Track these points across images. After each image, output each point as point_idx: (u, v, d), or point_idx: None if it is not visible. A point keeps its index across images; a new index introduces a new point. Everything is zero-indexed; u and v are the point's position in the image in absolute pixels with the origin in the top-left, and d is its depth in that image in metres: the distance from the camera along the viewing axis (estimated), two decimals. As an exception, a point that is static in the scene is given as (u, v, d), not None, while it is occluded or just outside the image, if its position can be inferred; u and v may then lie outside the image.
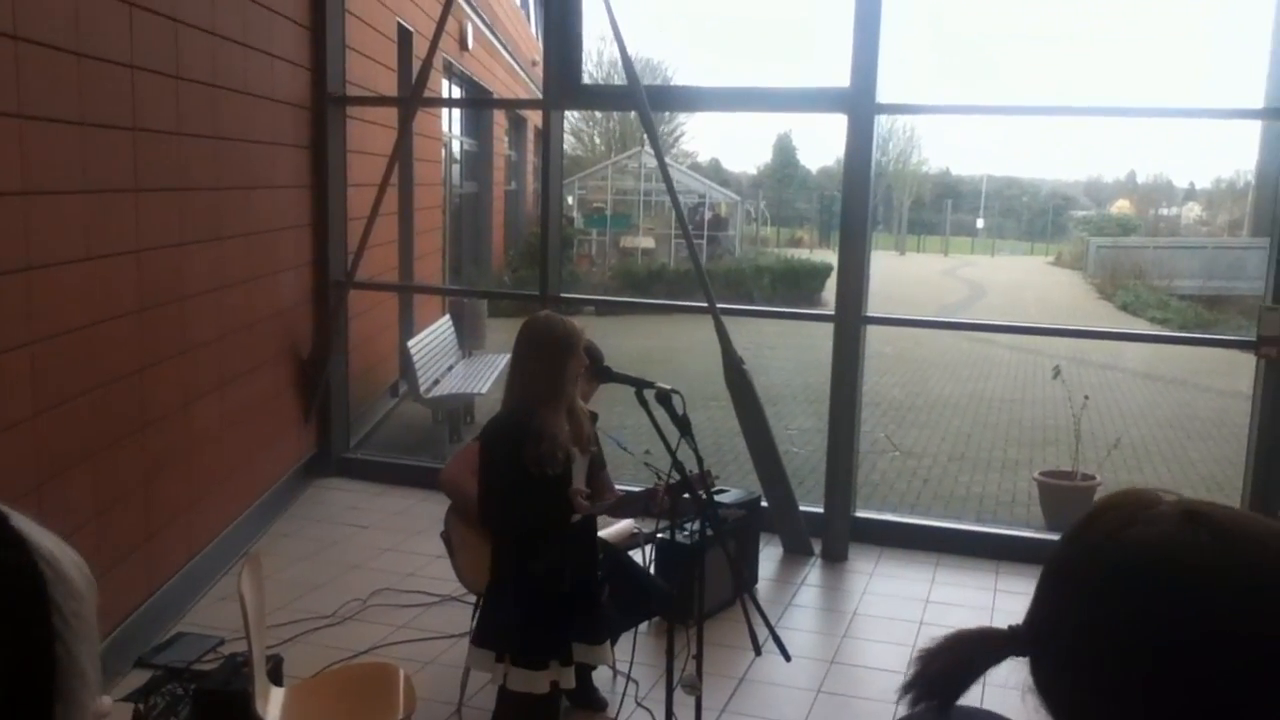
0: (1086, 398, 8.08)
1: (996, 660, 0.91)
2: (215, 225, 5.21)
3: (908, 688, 0.92)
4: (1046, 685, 0.90)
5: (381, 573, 5.41)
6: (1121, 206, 43.45)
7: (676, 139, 40.15)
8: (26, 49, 3.60)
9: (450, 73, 12.68)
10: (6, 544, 0.76)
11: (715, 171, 41.36)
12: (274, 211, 6.02)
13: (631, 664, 4.04)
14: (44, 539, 0.80)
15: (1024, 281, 28.94)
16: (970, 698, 0.94)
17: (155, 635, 4.58)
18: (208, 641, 4.55)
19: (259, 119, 5.74)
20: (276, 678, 3.79)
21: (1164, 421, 11.65)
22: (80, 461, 4.05)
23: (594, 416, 3.68)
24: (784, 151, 47.31)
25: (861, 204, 5.90)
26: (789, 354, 14.64)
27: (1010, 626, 0.93)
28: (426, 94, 6.80)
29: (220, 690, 3.67)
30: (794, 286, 21.51)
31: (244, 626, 3.13)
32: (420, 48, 9.44)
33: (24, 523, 0.79)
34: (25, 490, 3.62)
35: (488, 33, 15.17)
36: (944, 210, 43.45)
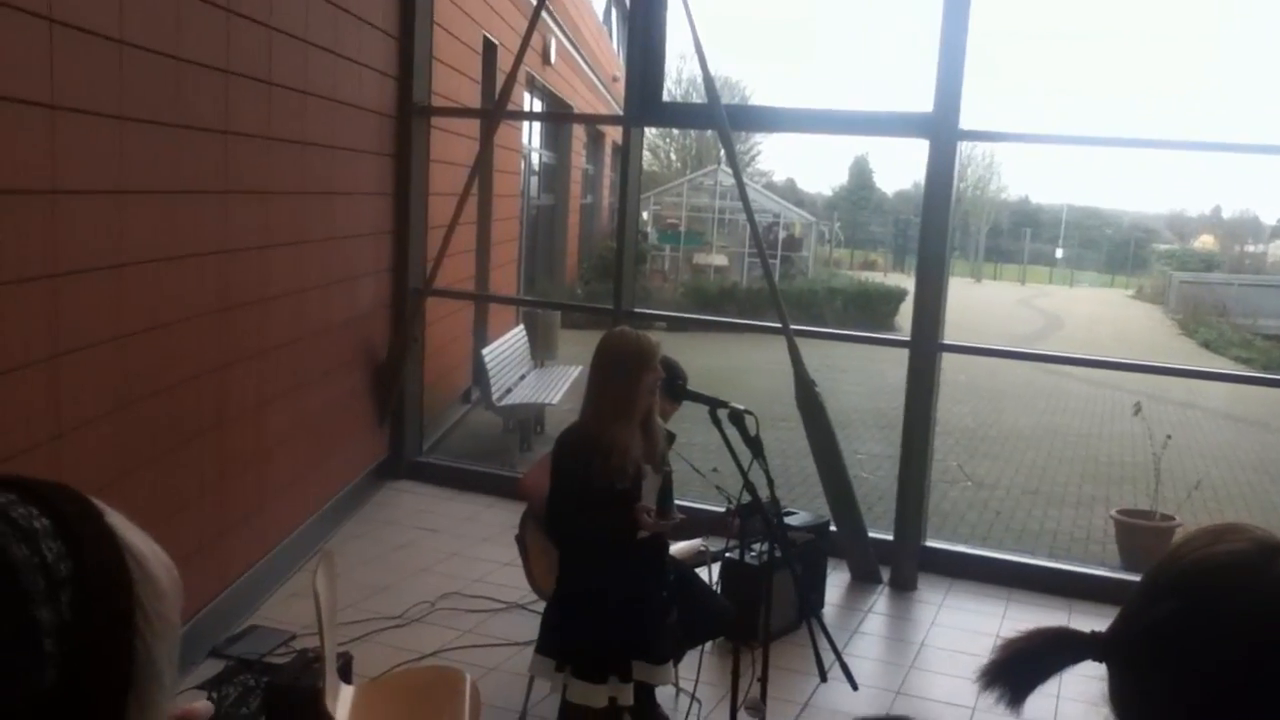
0: (1169, 436, 7.88)
1: (1074, 660, 0.93)
2: (298, 229, 5.30)
3: (984, 674, 0.94)
4: (1121, 695, 0.91)
5: (449, 577, 5.45)
6: (1205, 241, 42.56)
7: (753, 158, 40.16)
8: (130, 53, 3.69)
9: (532, 86, 12.81)
10: (100, 540, 0.77)
11: (790, 191, 41.27)
12: (355, 217, 6.12)
13: (696, 683, 4.02)
14: (135, 537, 0.81)
15: (1102, 314, 28.43)
16: (1045, 701, 0.95)
17: (228, 628, 4.65)
18: (279, 636, 4.61)
19: (345, 126, 5.83)
20: (346, 675, 3.82)
21: (1246, 464, 11.35)
22: (158, 456, 4.13)
23: (671, 437, 3.67)
24: (860, 173, 47.09)
25: (940, 230, 5.83)
26: (859, 378, 14.52)
27: (1093, 631, 0.94)
28: (509, 107, 6.85)
29: (291, 684, 3.72)
30: (866, 310, 21.35)
31: (317, 623, 3.16)
32: (504, 60, 9.54)
33: (117, 520, 0.80)
34: (103, 483, 3.69)
35: (570, 47, 15.31)
36: (1022, 238, 42.89)
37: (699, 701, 4.24)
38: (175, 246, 4.12)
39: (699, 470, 4.29)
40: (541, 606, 4.05)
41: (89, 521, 0.77)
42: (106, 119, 3.60)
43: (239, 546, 4.88)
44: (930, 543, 6.12)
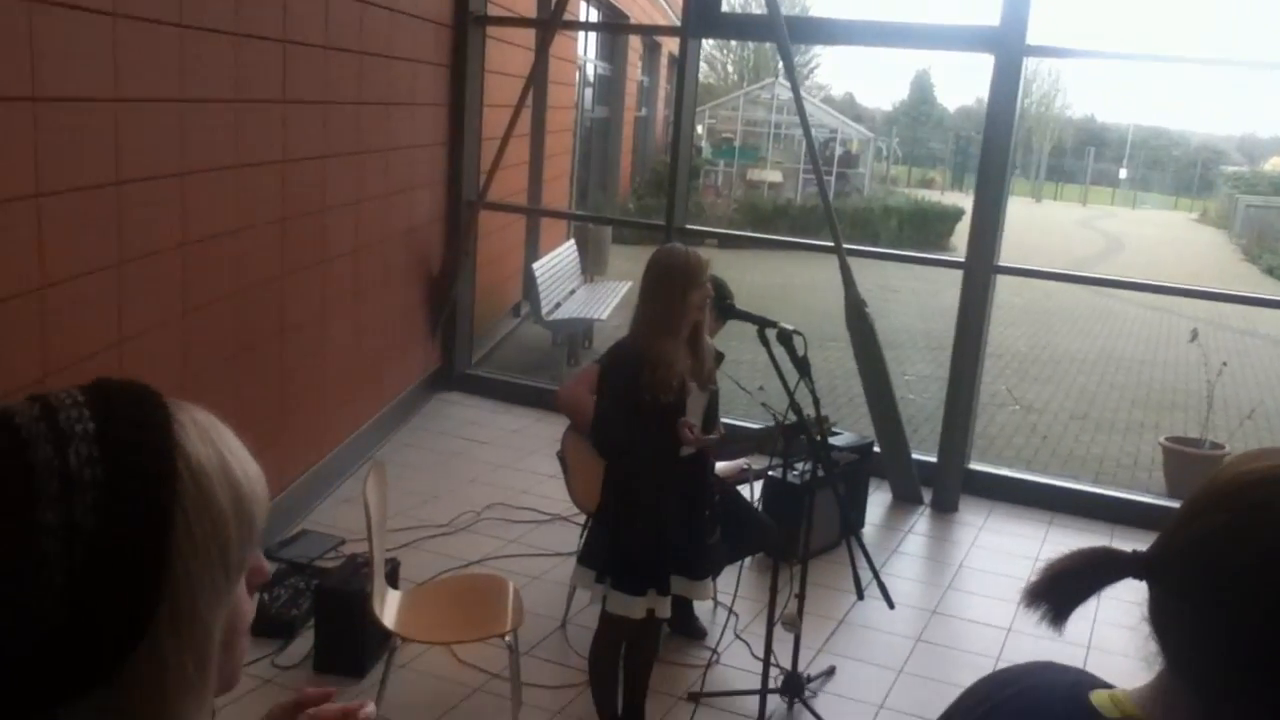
0: (1224, 364, 7.78)
1: (1116, 578, 0.93)
2: (356, 140, 5.34)
3: (1028, 593, 0.95)
4: (1162, 614, 0.92)
5: (496, 487, 5.57)
6: (1276, 164, 41.30)
7: (812, 71, 39.43)
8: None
9: (589, -5, 12.63)
10: (145, 449, 0.77)
11: (849, 106, 40.56)
12: (412, 129, 6.14)
13: (734, 597, 4.12)
14: (209, 451, 0.80)
15: (1165, 238, 27.84)
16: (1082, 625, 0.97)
17: (281, 531, 4.81)
18: (330, 540, 4.76)
19: (402, 36, 5.82)
20: (393, 581, 3.96)
21: (1302, 394, 11.18)
22: (222, 361, 4.25)
23: (720, 356, 3.70)
24: (921, 88, 46.12)
25: (1002, 150, 5.74)
26: (912, 298, 14.42)
27: (1134, 550, 0.94)
28: (565, 17, 6.79)
29: (340, 588, 3.85)
30: (922, 229, 21.08)
31: (366, 530, 3.27)
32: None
33: (194, 432, 0.81)
34: (170, 386, 3.81)
35: (629, -45, 15.03)
36: (1085, 158, 41.91)
37: (736, 615, 4.34)
38: (237, 155, 4.18)
39: (745, 388, 4.33)
40: (585, 520, 4.14)
41: (142, 430, 0.78)
42: (168, 27, 3.64)
43: (296, 450, 5.02)
44: (974, 465, 6.14)
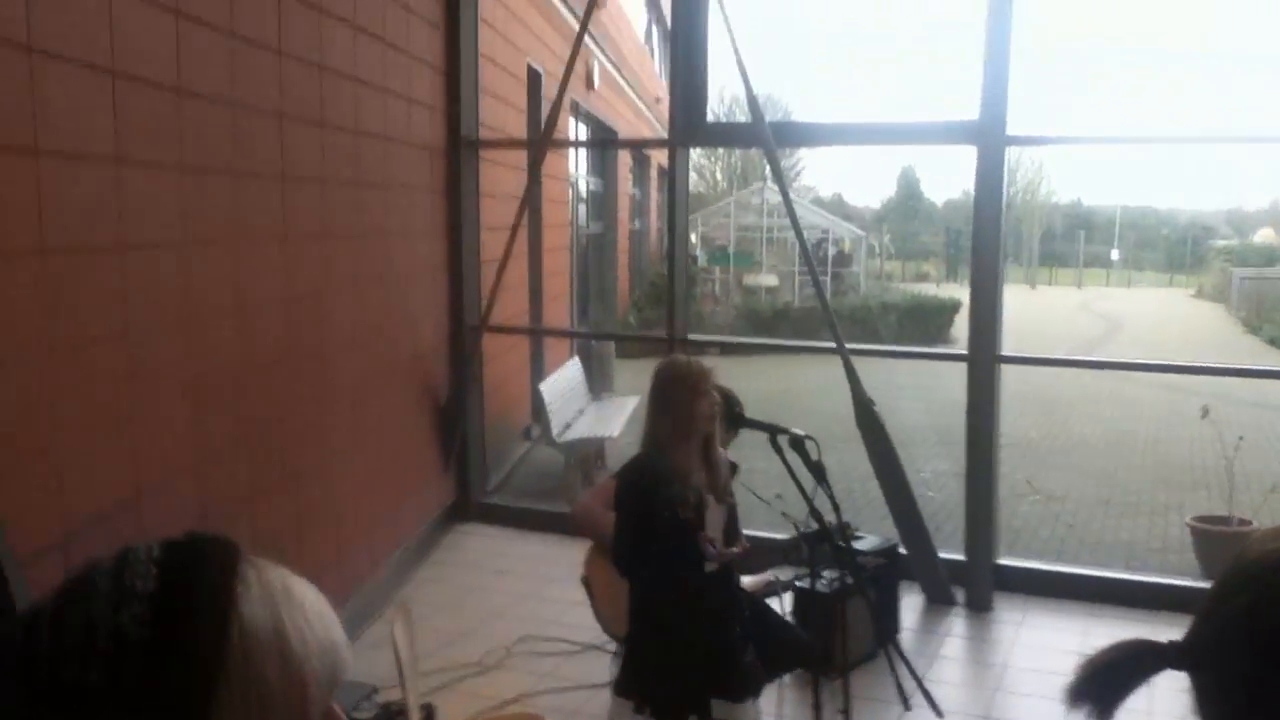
0: (1241, 438, 7.69)
1: (1154, 669, 0.93)
2: (354, 270, 5.32)
3: (1069, 693, 0.95)
4: (1202, 701, 0.91)
5: (524, 620, 5.43)
6: (1266, 235, 41.70)
7: (798, 173, 40.09)
8: (189, 102, 3.73)
9: (577, 112, 12.86)
10: (196, 614, 0.77)
11: (838, 206, 41.15)
12: (411, 256, 6.14)
13: (779, 718, 3.96)
14: (266, 616, 0.79)
15: (1164, 315, 27.96)
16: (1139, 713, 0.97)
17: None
18: (361, 690, 4.59)
19: (397, 163, 5.85)
20: (428, 726, 3.81)
21: (1323, 464, 11.04)
22: (234, 514, 4.15)
23: (734, 467, 3.63)
24: (908, 184, 46.87)
25: (993, 239, 5.74)
26: (918, 394, 14.35)
27: (1170, 640, 0.94)
28: (555, 135, 6.87)
29: (373, 740, 3.70)
30: (921, 323, 21.16)
31: (398, 675, 3.15)
32: (549, 88, 9.58)
33: (257, 593, 0.80)
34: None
35: (613, 71, 15.37)
36: (1076, 241, 42.34)
37: (780, 735, 4.18)
38: (235, 298, 4.16)
39: (761, 497, 4.25)
40: (615, 648, 4.02)
41: (199, 593, 0.78)
42: (168, 170, 3.64)
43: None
44: (1003, 560, 6.00)
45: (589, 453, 8.76)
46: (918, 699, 3.47)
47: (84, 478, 3.19)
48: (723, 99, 29.82)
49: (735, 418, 3.81)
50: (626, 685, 3.42)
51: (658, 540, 3.33)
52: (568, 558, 5.91)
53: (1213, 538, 6.93)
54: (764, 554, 4.11)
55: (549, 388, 8.37)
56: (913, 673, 3.47)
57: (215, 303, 3.99)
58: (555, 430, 8.14)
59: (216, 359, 3.99)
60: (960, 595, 5.75)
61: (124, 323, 3.39)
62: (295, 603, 0.83)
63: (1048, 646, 5.21)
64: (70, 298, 3.13)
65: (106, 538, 3.29)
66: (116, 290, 3.36)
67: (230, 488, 4.11)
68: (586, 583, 4.24)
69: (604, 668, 4.62)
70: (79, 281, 3.18)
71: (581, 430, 8.63)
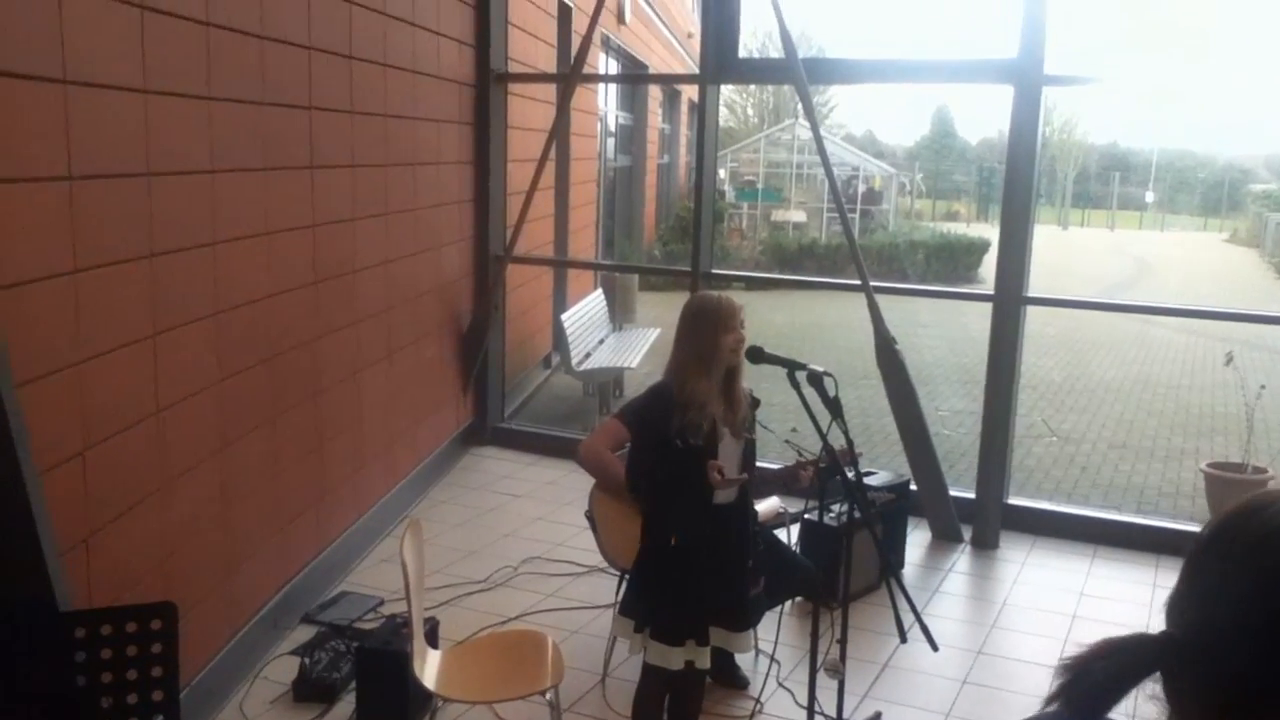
0: (1263, 386, 7.68)
1: (1149, 673, 0.87)
2: (383, 201, 5.41)
3: (1052, 700, 0.88)
4: (1195, 696, 0.88)
5: (532, 541, 5.57)
6: (1306, 181, 40.94)
7: (830, 110, 39.57)
8: (217, 35, 3.79)
9: (607, 47, 12.77)
10: None
11: (870, 143, 40.66)
12: (438, 187, 6.21)
13: (775, 644, 4.07)
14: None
15: (1196, 259, 27.61)
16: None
17: (321, 593, 4.82)
18: (369, 601, 4.76)
19: (425, 97, 5.91)
20: (433, 640, 3.95)
21: (1346, 413, 10.99)
22: (258, 425, 4.28)
23: (756, 402, 3.69)
24: (942, 122, 46.18)
25: (1026, 180, 5.73)
26: (942, 332, 14.35)
27: (1164, 631, 0.89)
28: (585, 70, 6.87)
29: (380, 649, 3.84)
30: (949, 262, 21.03)
31: (405, 590, 3.27)
32: (579, 23, 9.53)
33: None
34: (209, 452, 3.85)
35: (645, 5, 15.21)
36: (1111, 183, 41.73)
37: (778, 663, 4.30)
38: (265, 223, 4.24)
39: (771, 430, 4.31)
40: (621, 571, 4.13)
41: None
42: (196, 100, 3.71)
43: (334, 512, 5.04)
44: (1013, 500, 6.08)
45: (607, 381, 8.85)
46: (915, 632, 3.54)
47: (107, 395, 3.29)
48: (755, 34, 29.38)
49: (753, 351, 3.86)
50: (629, 604, 3.52)
51: (668, 465, 3.41)
52: (581, 484, 6.00)
53: (1226, 484, 6.95)
54: (766, 480, 4.19)
55: (570, 318, 8.45)
56: (912, 606, 3.54)
57: (244, 227, 4.07)
58: (575, 359, 8.23)
59: (242, 283, 4.08)
60: (967, 533, 5.83)
61: (149, 247, 3.48)
62: None
63: (1048, 585, 5.30)
64: (95, 222, 3.22)
65: (126, 449, 3.41)
66: (142, 214, 3.44)
67: (253, 404, 4.22)
68: (590, 517, 4.34)
69: (609, 590, 4.74)
70: (104, 206, 3.26)
71: (601, 360, 8.72)
